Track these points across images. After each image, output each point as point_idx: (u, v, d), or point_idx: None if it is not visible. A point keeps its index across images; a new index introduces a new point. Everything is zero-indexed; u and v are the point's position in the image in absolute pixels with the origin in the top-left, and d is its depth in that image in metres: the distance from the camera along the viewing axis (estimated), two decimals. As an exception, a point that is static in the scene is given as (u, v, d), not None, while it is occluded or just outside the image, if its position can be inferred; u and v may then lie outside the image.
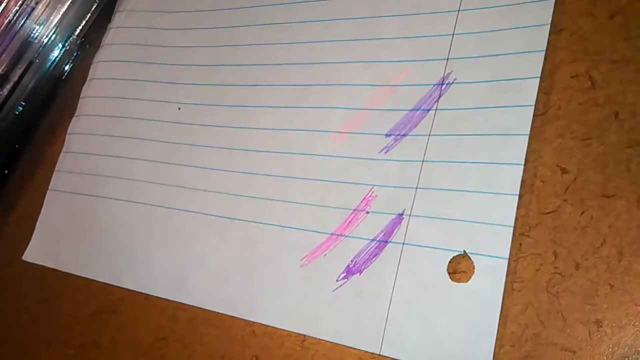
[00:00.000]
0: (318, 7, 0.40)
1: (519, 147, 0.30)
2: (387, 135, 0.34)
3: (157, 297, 0.38)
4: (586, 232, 0.28)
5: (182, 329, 0.37)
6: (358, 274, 0.32)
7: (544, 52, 0.31)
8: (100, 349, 0.40)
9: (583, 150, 0.29)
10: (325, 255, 0.34)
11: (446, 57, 0.34)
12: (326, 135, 0.36)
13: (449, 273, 0.30)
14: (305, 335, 0.33)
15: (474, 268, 0.29)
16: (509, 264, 0.29)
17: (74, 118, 0.48)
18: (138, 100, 0.45)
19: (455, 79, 0.33)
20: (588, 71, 0.30)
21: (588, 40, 0.31)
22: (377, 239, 0.33)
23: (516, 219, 0.29)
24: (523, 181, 0.30)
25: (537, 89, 0.31)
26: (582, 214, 0.28)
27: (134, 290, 0.39)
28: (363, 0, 0.38)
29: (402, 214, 0.32)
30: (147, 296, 0.39)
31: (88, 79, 0.49)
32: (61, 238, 0.44)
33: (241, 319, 0.35)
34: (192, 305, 0.37)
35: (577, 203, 0.28)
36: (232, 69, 0.42)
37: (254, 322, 0.34)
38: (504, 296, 0.28)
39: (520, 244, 0.29)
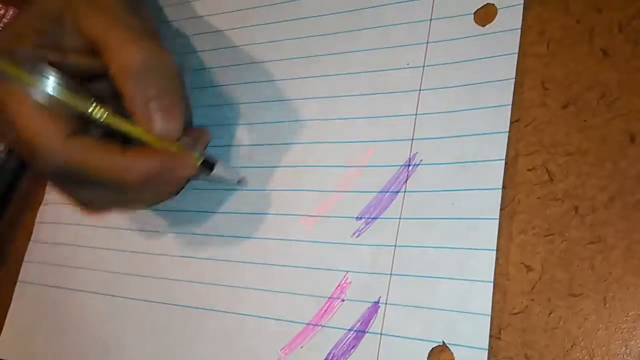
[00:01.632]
0: (277, 87, 0.40)
1: (490, 232, 0.30)
2: (358, 218, 0.34)
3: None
4: (555, 334, 0.27)
5: None
6: (337, 368, 0.32)
7: (507, 134, 0.31)
8: None
9: (546, 247, 0.29)
10: (302, 347, 0.33)
11: (411, 138, 0.34)
12: (297, 219, 0.36)
13: (428, 366, 0.29)
14: None
15: (454, 359, 0.29)
16: (490, 354, 0.28)
17: (41, 206, 0.47)
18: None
19: (421, 160, 0.33)
20: (545, 164, 0.30)
21: (543, 131, 0.31)
22: (355, 329, 0.32)
23: (492, 316, 0.28)
24: (494, 277, 0.29)
25: (502, 170, 0.30)
26: (550, 314, 0.28)
27: None
28: (322, 81, 0.38)
29: (377, 302, 0.32)
30: None
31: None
32: (32, 333, 0.43)
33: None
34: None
35: (544, 303, 0.28)
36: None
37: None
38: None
39: (492, 347, 0.28)
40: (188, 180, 0.37)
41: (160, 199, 0.37)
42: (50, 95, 0.30)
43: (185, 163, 0.34)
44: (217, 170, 0.36)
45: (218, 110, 0.41)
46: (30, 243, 0.46)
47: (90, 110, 0.31)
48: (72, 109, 0.31)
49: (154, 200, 0.38)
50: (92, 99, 0.32)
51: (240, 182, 0.38)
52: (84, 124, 0.32)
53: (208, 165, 0.35)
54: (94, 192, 0.34)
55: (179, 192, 0.38)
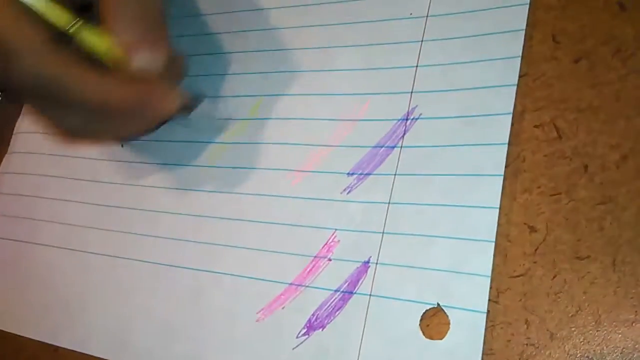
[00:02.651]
0: (269, 36, 0.37)
1: (494, 189, 0.28)
2: (349, 174, 0.32)
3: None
4: (559, 299, 0.25)
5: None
6: (320, 330, 0.29)
7: (515, 87, 0.29)
8: None
9: (552, 207, 0.27)
10: (283, 308, 0.31)
11: (410, 90, 0.32)
12: (283, 175, 0.33)
13: (421, 329, 0.27)
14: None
15: (449, 323, 0.27)
16: (487, 318, 0.26)
17: (6, 156, 0.44)
18: (77, 136, 0.41)
19: (420, 114, 0.31)
20: (553, 120, 0.28)
21: (552, 86, 0.29)
22: (341, 290, 0.30)
23: (491, 278, 0.26)
24: (496, 237, 0.27)
25: (510, 125, 0.28)
26: (554, 277, 0.26)
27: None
28: (318, 31, 0.36)
29: (367, 262, 0.29)
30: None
31: (22, 113, 0.45)
32: (-11, 289, 0.40)
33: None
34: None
35: (548, 265, 0.26)
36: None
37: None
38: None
39: (489, 311, 0.26)
40: (166, 121, 0.34)
41: (137, 133, 0.35)
42: (32, 3, 0.28)
43: (167, 98, 0.31)
44: (202, 107, 0.33)
45: (202, 60, 0.39)
46: (-9, 195, 0.43)
47: (71, 26, 0.29)
48: (54, 24, 0.28)
49: (130, 133, 0.35)
50: (77, 19, 0.29)
51: (225, 121, 0.36)
52: (65, 42, 0.29)
53: (192, 100, 0.32)
54: (70, 117, 0.31)
55: (156, 129, 0.35)
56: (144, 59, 0.29)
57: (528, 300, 0.26)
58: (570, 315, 0.25)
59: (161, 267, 0.35)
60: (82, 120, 0.31)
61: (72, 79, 0.28)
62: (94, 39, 0.29)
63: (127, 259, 0.36)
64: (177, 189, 0.36)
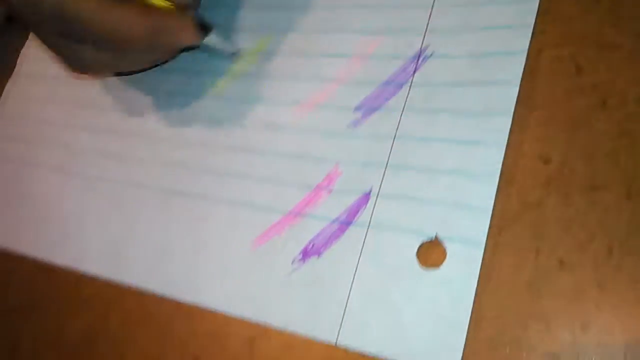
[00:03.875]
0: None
1: (502, 127, 0.28)
2: (357, 109, 0.32)
3: (90, 281, 0.34)
4: (571, 227, 0.25)
5: (114, 328, 0.33)
6: (316, 257, 0.29)
7: (532, 27, 0.29)
8: (18, 350, 0.35)
9: (567, 139, 0.27)
10: (280, 235, 0.30)
11: (424, 29, 0.32)
12: (290, 108, 0.33)
13: (418, 258, 0.27)
14: (254, 335, 0.29)
15: (446, 254, 0.27)
16: (484, 256, 0.26)
17: (11, 79, 0.44)
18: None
19: (433, 52, 0.31)
20: (573, 56, 0.28)
21: (573, 23, 0.29)
22: (340, 220, 0.29)
23: (493, 211, 0.26)
24: (502, 171, 0.27)
25: (523, 66, 0.28)
26: (567, 207, 0.26)
27: (63, 285, 0.35)
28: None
29: (368, 193, 0.29)
30: (76, 291, 0.34)
31: (29, 37, 0.45)
32: (-15, 208, 0.39)
33: (181, 318, 0.31)
34: (128, 289, 0.33)
35: (561, 195, 0.26)
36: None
37: (196, 321, 0.31)
38: (479, 296, 0.25)
39: (498, 240, 0.26)
40: (182, 50, 0.34)
41: (150, 63, 0.35)
42: None
43: (183, 28, 0.31)
44: (212, 38, 0.33)
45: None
46: (-6, 117, 0.43)
47: None
48: None
49: (145, 64, 0.35)
50: None
51: (234, 54, 0.35)
52: None
53: (203, 30, 0.32)
54: (85, 50, 0.31)
55: (169, 60, 0.35)
56: None
57: (539, 228, 0.26)
58: (581, 243, 0.25)
59: (159, 192, 0.34)
60: (96, 53, 0.31)
61: (89, 9, 0.28)
62: None
63: (126, 182, 0.36)
64: (181, 117, 0.36)
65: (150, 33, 0.30)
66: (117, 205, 0.35)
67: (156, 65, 0.36)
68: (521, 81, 0.28)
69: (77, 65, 0.33)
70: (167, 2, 0.31)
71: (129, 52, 0.32)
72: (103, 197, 0.36)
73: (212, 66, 0.36)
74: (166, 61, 0.36)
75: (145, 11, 0.30)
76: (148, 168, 0.36)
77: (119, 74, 0.39)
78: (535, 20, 0.29)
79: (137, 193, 0.35)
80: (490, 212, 0.26)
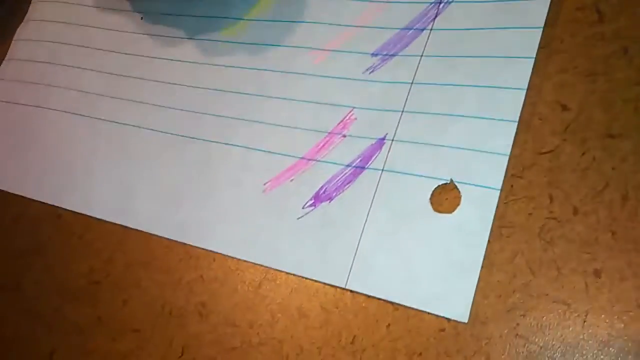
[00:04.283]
0: None
1: (523, 71, 0.27)
2: (374, 54, 0.31)
3: (97, 224, 0.34)
4: (587, 175, 0.25)
5: (119, 272, 0.33)
6: (327, 202, 0.29)
7: (557, -29, 0.28)
8: (22, 292, 0.35)
9: (587, 87, 0.26)
10: (292, 180, 0.30)
11: (447, -25, 0.31)
12: (306, 52, 0.33)
13: (431, 202, 0.26)
14: (260, 279, 0.29)
15: (460, 198, 0.26)
16: (498, 202, 0.25)
17: (22, 23, 0.43)
18: (97, 8, 0.40)
19: (455, -2, 0.30)
20: (595, 4, 0.27)
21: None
22: (353, 165, 0.29)
23: (510, 156, 0.26)
24: (520, 117, 0.26)
25: (546, 9, 0.27)
26: (583, 154, 0.25)
27: (69, 228, 0.35)
28: None
29: (383, 139, 0.29)
30: (81, 235, 0.34)
31: (43, -18, 0.44)
32: (-5, 150, 0.39)
33: (189, 263, 0.31)
34: (135, 233, 0.32)
35: (577, 143, 0.25)
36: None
37: (204, 266, 0.30)
38: (491, 242, 0.25)
39: (512, 186, 0.26)
40: None
41: None
42: None
43: None
44: None
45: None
46: (5, 61, 0.42)
47: None
48: None
49: None
50: None
51: None
52: None
53: None
54: None
55: None
56: None
57: (554, 175, 0.25)
58: (597, 190, 0.24)
59: (170, 137, 0.34)
60: None
61: None
62: None
63: (137, 126, 0.35)
64: (194, 62, 0.36)
65: None
66: (127, 150, 0.35)
67: None
68: (543, 27, 0.27)
69: None
70: None
71: None
72: (112, 141, 0.36)
73: (227, 10, 0.36)
74: None
75: None
76: (159, 112, 0.35)
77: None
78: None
79: (146, 137, 0.35)
80: (508, 158, 0.26)
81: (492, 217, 0.25)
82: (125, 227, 0.33)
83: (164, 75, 0.36)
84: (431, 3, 0.30)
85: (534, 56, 0.27)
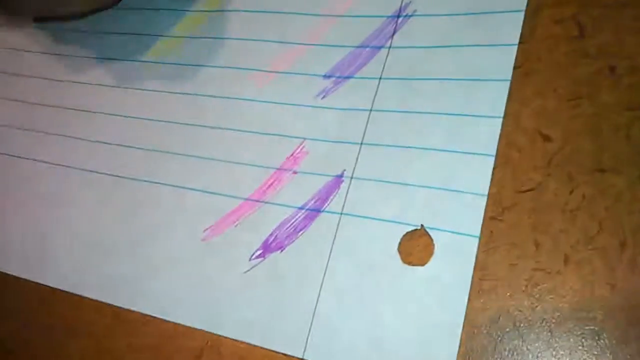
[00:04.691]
0: None
1: (497, 96, 0.23)
2: (326, 76, 0.27)
3: (14, 282, 0.29)
4: (577, 216, 0.21)
5: (39, 339, 0.27)
6: (279, 252, 0.25)
7: (530, -20, 0.25)
8: None
9: (570, 113, 0.23)
10: (236, 225, 0.26)
11: (405, -16, 0.27)
12: (247, 75, 0.28)
13: (400, 253, 0.23)
14: (202, 347, 0.24)
15: (433, 247, 0.22)
16: (477, 251, 0.22)
17: None
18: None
19: (415, 11, 0.26)
20: (575, 16, 0.24)
21: (574, -22, 0.25)
22: (307, 207, 0.25)
23: (488, 196, 0.22)
24: (497, 149, 0.23)
25: (521, 23, 0.24)
26: (571, 192, 0.22)
27: None
28: None
29: (341, 176, 0.25)
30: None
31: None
32: None
33: (119, 328, 0.26)
34: (59, 293, 0.28)
35: (564, 179, 0.22)
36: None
37: (137, 332, 0.26)
38: (472, 299, 0.21)
39: (492, 231, 0.22)
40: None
41: (97, 6, 0.31)
42: None
43: None
44: None
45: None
46: None
47: None
48: None
49: (89, 5, 0.30)
50: None
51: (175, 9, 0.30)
52: None
53: None
54: None
55: (118, 1, 0.30)
56: None
57: (539, 217, 0.22)
58: (589, 236, 0.21)
59: (93, 175, 0.29)
60: None
61: None
62: None
63: (53, 164, 0.30)
64: (116, 86, 0.31)
65: None
66: (41, 191, 0.30)
67: (92, 12, 0.30)
68: (520, 43, 0.24)
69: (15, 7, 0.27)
70: None
71: None
72: (24, 181, 0.30)
73: (152, 25, 0.31)
74: (104, 8, 0.31)
75: None
76: (77, 146, 0.30)
77: (44, 19, 0.33)
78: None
79: (64, 176, 0.30)
80: (485, 199, 0.22)
81: (471, 270, 0.22)
82: (45, 285, 0.28)
83: (81, 103, 0.31)
84: (388, 17, 0.27)
85: (509, 78, 0.23)
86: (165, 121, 0.29)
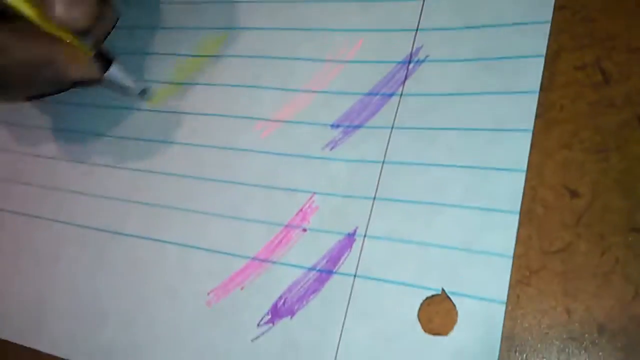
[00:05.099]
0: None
1: (519, 147, 0.22)
2: (334, 126, 0.25)
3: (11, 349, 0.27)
4: (610, 281, 0.20)
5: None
6: (289, 317, 0.23)
7: (549, 23, 0.23)
8: None
9: (598, 167, 0.21)
10: (243, 288, 0.24)
11: (415, 27, 0.26)
12: (251, 124, 0.27)
13: (420, 321, 0.21)
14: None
15: (456, 315, 0.21)
16: (505, 317, 0.20)
17: None
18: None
19: (427, 56, 0.25)
20: (599, 61, 0.23)
21: (596, 21, 0.23)
22: (318, 268, 0.23)
23: (514, 257, 0.21)
24: (521, 206, 0.21)
25: (541, 68, 0.23)
26: (603, 254, 0.20)
27: None
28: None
29: (353, 234, 0.23)
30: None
31: None
32: None
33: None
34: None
35: (594, 239, 0.20)
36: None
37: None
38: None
39: (519, 296, 0.20)
40: (78, 84, 0.28)
41: (40, 94, 0.30)
42: None
43: (74, 56, 0.26)
44: (114, 72, 0.27)
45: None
46: None
47: None
48: None
49: (29, 94, 0.30)
50: None
51: (143, 92, 0.29)
52: None
53: (103, 62, 0.26)
54: None
55: (66, 90, 0.29)
56: (60, 10, 0.24)
57: (569, 282, 0.20)
58: (625, 301, 0.19)
59: (89, 232, 0.28)
60: None
61: None
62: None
63: (48, 219, 0.29)
64: (114, 136, 0.29)
65: (34, 60, 0.26)
66: (35, 249, 0.28)
67: (44, 97, 0.30)
68: (540, 90, 0.22)
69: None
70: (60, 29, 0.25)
71: (8, 81, 0.27)
72: (17, 237, 0.29)
73: (150, 71, 0.30)
74: (56, 93, 0.30)
75: (29, 36, 0.25)
76: (74, 199, 0.29)
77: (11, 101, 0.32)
78: (553, 17, 0.23)
79: (59, 232, 0.28)
80: (511, 259, 0.21)
81: (499, 339, 0.20)
82: (38, 351, 0.26)
83: (77, 154, 0.30)
84: (399, 62, 0.25)
85: (531, 128, 0.22)
86: (164, 173, 0.28)
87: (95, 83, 0.27)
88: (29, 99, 0.31)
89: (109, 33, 0.27)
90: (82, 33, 0.25)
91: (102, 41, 0.26)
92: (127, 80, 0.28)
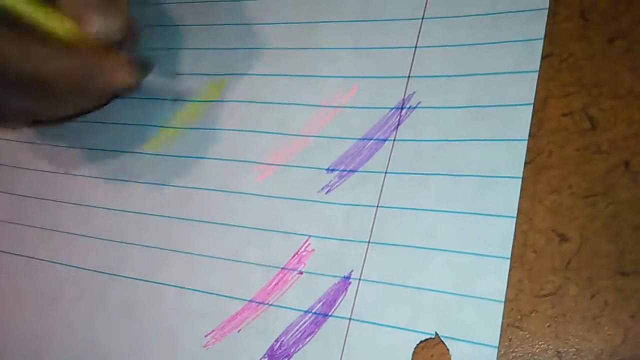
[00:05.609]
0: (239, 7, 0.32)
1: (510, 193, 0.23)
2: (330, 170, 0.26)
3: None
4: (599, 325, 0.20)
5: None
6: (286, 360, 0.23)
7: (537, 73, 0.24)
8: None
9: (587, 212, 0.22)
10: (239, 330, 0.24)
11: (407, 75, 0.27)
12: (248, 167, 0.28)
13: (415, 364, 0.21)
14: None
15: (449, 359, 0.21)
16: (497, 355, 0.21)
17: None
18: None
19: (419, 102, 0.26)
20: (586, 108, 0.24)
21: (583, 69, 0.24)
22: (314, 311, 0.24)
23: (505, 302, 0.21)
24: (512, 251, 0.22)
25: (530, 116, 0.23)
26: (592, 297, 0.21)
27: None
28: (298, 1, 0.30)
29: (348, 277, 0.24)
30: None
31: None
32: None
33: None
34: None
35: (583, 282, 0.21)
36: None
37: None
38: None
39: (510, 339, 0.21)
40: (116, 95, 0.29)
41: (83, 110, 0.30)
42: None
43: (119, 68, 0.26)
44: (153, 79, 0.28)
45: (156, 31, 0.33)
46: None
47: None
48: None
49: (68, 110, 0.30)
50: None
51: (177, 100, 0.30)
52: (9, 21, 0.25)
53: (141, 69, 0.27)
54: (6, 96, 0.26)
55: (99, 108, 0.30)
56: (97, 24, 0.25)
57: (559, 326, 0.21)
58: (614, 345, 0.20)
59: (89, 274, 0.28)
60: (16, 97, 0.26)
61: (9, 49, 0.24)
62: (43, 15, 0.25)
63: (48, 261, 0.29)
64: (114, 179, 0.30)
65: (78, 73, 0.26)
66: (35, 291, 0.29)
67: (85, 113, 0.30)
68: (529, 137, 0.23)
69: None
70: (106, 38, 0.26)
71: (53, 96, 0.27)
72: (16, 279, 0.29)
73: (149, 116, 0.30)
74: (97, 108, 0.31)
75: (72, 48, 0.25)
76: (73, 242, 0.29)
77: (37, 123, 0.32)
78: (540, 65, 0.24)
79: (58, 274, 0.29)
80: (503, 305, 0.21)
81: (491, 385, 0.20)
82: (34, 393, 0.27)
83: (77, 196, 0.30)
84: (392, 108, 0.26)
85: (521, 175, 0.23)
86: (164, 216, 0.28)
87: (134, 90, 0.28)
88: (65, 118, 0.31)
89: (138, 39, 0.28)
90: (119, 42, 0.26)
91: (135, 48, 0.27)
92: (165, 89, 0.29)
